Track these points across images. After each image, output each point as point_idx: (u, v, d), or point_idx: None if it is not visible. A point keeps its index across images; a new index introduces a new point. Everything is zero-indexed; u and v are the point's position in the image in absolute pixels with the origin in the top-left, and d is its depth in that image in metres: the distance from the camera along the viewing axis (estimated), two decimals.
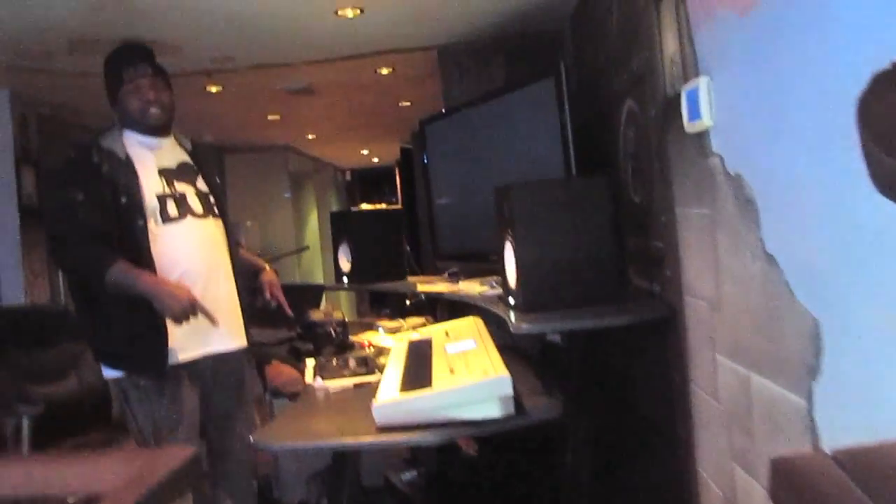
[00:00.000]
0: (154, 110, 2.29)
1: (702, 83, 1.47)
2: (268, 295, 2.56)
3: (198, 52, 3.29)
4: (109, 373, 2.27)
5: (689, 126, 1.56)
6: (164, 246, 2.23)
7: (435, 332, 2.63)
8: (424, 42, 3.51)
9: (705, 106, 1.46)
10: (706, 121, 1.47)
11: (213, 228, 2.38)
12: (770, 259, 1.26)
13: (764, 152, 1.27)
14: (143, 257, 2.17)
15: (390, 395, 1.82)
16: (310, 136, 6.85)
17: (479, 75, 3.60)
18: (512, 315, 2.13)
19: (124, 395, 2.24)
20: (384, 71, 4.08)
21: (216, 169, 2.60)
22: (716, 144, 1.48)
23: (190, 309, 2.12)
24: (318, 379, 2.27)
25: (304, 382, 2.38)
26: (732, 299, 1.48)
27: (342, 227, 3.65)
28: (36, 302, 3.92)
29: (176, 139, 2.44)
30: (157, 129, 2.33)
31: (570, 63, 3.12)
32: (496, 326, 2.46)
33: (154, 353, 2.19)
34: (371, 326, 3.33)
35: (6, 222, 3.81)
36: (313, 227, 8.64)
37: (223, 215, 2.43)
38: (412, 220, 6.41)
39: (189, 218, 2.30)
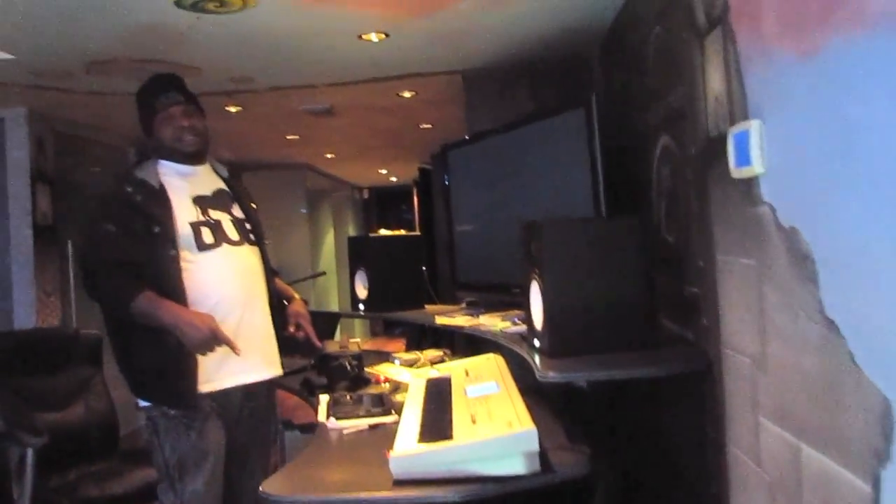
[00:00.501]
0: (188, 137, 2.28)
1: (753, 127, 1.36)
2: (292, 328, 2.49)
3: (218, 73, 3.24)
4: (141, 402, 2.24)
5: (736, 171, 1.46)
6: (200, 274, 2.21)
7: (454, 369, 2.52)
8: (449, 66, 3.44)
9: (756, 151, 1.36)
10: (756, 167, 1.37)
11: (248, 255, 2.35)
12: (830, 324, 1.15)
13: (825, 205, 1.16)
14: (174, 287, 2.15)
15: (408, 447, 1.71)
16: (328, 156, 6.80)
17: (503, 100, 3.52)
18: (537, 359, 2.03)
19: (154, 426, 2.20)
20: (406, 94, 4.02)
21: (252, 196, 2.56)
22: (766, 193, 1.37)
23: (211, 338, 2.09)
24: (332, 419, 2.17)
25: (315, 415, 2.31)
26: (781, 360, 1.36)
27: (360, 253, 3.56)
28: (46, 322, 3.86)
29: (212, 166, 2.43)
30: (192, 157, 2.33)
31: (598, 91, 3.03)
32: (517, 365, 2.35)
33: (183, 385, 2.16)
34: (387, 357, 3.23)
35: (21, 240, 3.76)
36: (329, 247, 8.59)
37: (259, 242, 2.40)
38: (430, 244, 6.34)
39: (225, 245, 2.28)
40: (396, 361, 3.08)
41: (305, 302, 2.60)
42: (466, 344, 3.18)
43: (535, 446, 1.63)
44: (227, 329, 2.18)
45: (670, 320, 2.16)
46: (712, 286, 1.74)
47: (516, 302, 2.88)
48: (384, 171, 8.83)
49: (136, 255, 2.14)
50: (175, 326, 2.08)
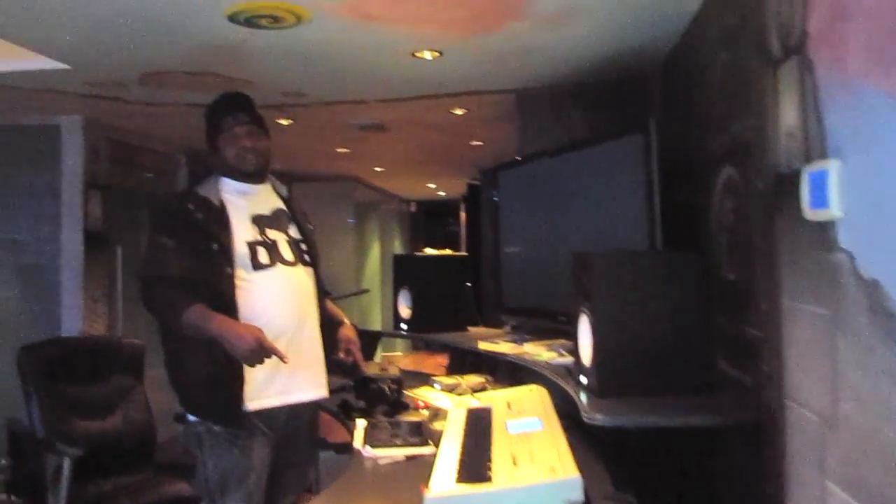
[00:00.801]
0: (250, 157, 2.31)
1: (832, 167, 1.25)
2: (342, 354, 2.48)
3: (269, 87, 3.22)
4: (189, 416, 2.26)
5: (811, 213, 1.35)
6: (254, 293, 2.23)
7: (496, 400, 2.43)
8: (503, 85, 3.37)
9: (834, 194, 1.25)
10: (834, 211, 1.26)
11: (302, 276, 2.36)
12: None
13: None
14: (228, 304, 2.18)
15: (446, 486, 1.63)
16: (377, 169, 6.79)
17: (558, 121, 3.44)
18: (583, 397, 1.94)
19: (199, 441, 2.22)
20: (458, 111, 3.96)
21: (309, 216, 2.58)
22: (844, 240, 1.26)
23: (259, 349, 2.08)
24: (368, 447, 2.11)
25: (349, 435, 2.29)
26: (856, 423, 1.24)
27: (404, 272, 3.51)
28: (92, 328, 3.89)
29: (272, 185, 2.45)
30: (253, 176, 2.35)
31: (657, 114, 2.93)
32: (560, 398, 2.25)
33: (230, 401, 2.17)
34: (427, 380, 3.16)
35: (71, 246, 3.81)
36: (374, 260, 8.57)
37: (314, 263, 2.41)
38: (476, 264, 6.25)
39: (279, 266, 2.29)
40: (437, 385, 3.01)
41: (355, 326, 2.55)
42: (509, 371, 3.09)
43: (580, 495, 1.54)
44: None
45: (727, 362, 2.03)
46: (776, 332, 1.62)
47: (562, 330, 2.79)
48: (432, 186, 8.79)
49: (192, 270, 2.17)
50: (223, 338, 2.09)
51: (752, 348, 1.81)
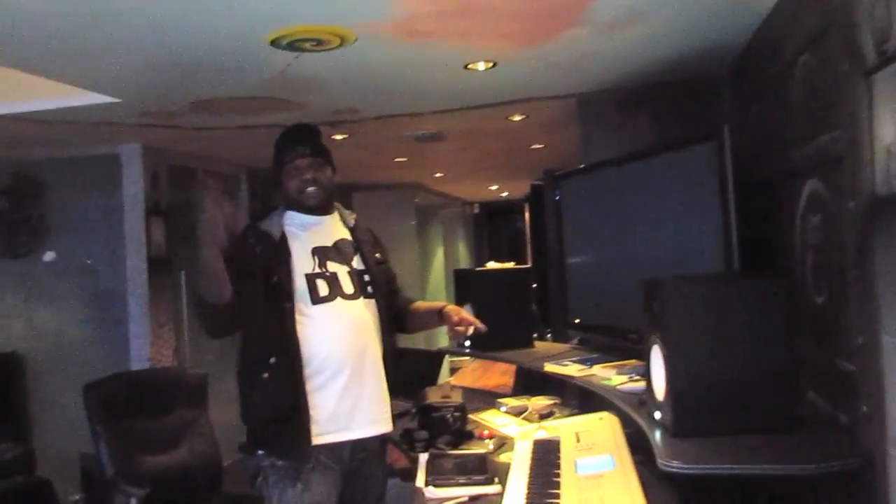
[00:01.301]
0: (311, 190, 2.30)
1: None
2: (455, 320, 2.42)
3: (321, 106, 3.17)
4: (258, 451, 2.26)
5: None
6: (313, 327, 2.22)
7: (564, 430, 2.30)
8: (562, 91, 3.22)
9: None
10: None
11: (362, 310, 2.32)
12: None
13: None
14: (288, 339, 2.19)
15: None
16: (437, 175, 6.70)
17: (622, 126, 3.26)
18: (658, 436, 1.79)
19: (264, 475, 2.23)
20: (516, 118, 3.83)
21: (380, 245, 2.56)
22: None
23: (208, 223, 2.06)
24: (431, 488, 2.01)
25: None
26: None
27: (466, 288, 3.40)
28: (160, 353, 3.93)
29: (340, 215, 2.44)
30: (316, 209, 2.34)
31: (730, 122, 2.73)
32: (632, 427, 2.11)
33: (293, 437, 2.17)
34: (491, 401, 3.04)
35: (136, 273, 3.84)
36: (438, 266, 8.49)
37: (377, 295, 2.37)
38: (542, 270, 6.09)
39: (339, 299, 2.27)
40: (503, 408, 2.89)
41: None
42: (578, 391, 2.95)
43: None
44: (337, 385, 2.21)
45: (818, 395, 1.85)
46: (876, 369, 1.44)
47: (633, 351, 2.64)
48: (495, 188, 8.66)
49: (247, 298, 2.17)
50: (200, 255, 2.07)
51: (847, 384, 1.63)
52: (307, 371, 2.20)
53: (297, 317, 2.20)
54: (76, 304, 4.20)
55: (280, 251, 2.25)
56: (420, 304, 2.62)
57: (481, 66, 2.70)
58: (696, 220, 2.32)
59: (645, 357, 1.95)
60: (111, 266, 4.07)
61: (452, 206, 9.38)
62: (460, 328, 2.43)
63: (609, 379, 2.43)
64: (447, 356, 3.65)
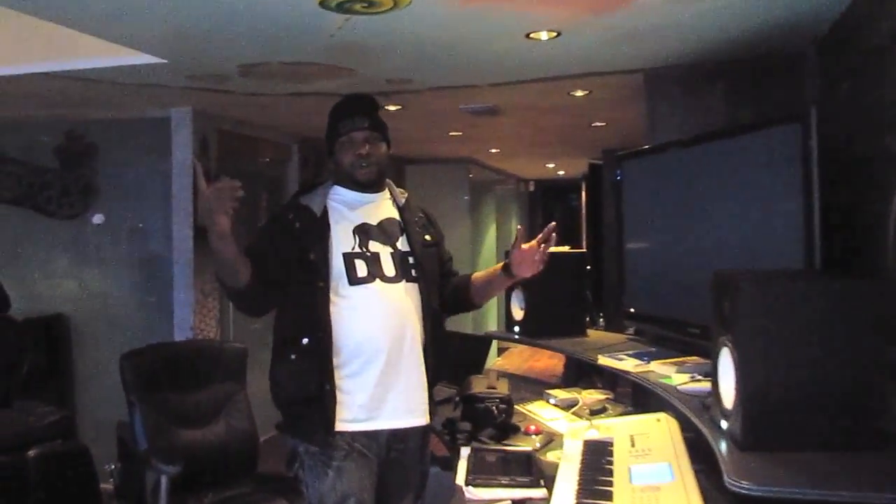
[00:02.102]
0: (363, 166, 2.18)
1: None
2: (541, 247, 2.28)
3: (372, 74, 3.02)
4: (288, 433, 2.20)
5: None
6: (348, 310, 2.12)
7: (617, 431, 2.14)
8: (629, 65, 3.01)
9: None
10: None
11: (403, 294, 2.19)
12: None
13: None
14: (319, 319, 2.09)
15: None
16: (493, 150, 6.52)
17: (692, 104, 3.04)
18: (724, 448, 1.62)
19: (301, 462, 2.15)
20: (578, 93, 3.62)
21: (433, 226, 2.42)
22: None
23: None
24: (471, 488, 1.88)
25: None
26: None
27: None
28: (203, 322, 3.88)
29: (390, 193, 2.32)
30: (367, 185, 2.23)
31: (813, 100, 2.50)
32: (693, 431, 1.94)
33: (317, 422, 2.08)
34: (539, 391, 2.90)
35: (181, 241, 3.79)
36: (491, 243, 8.32)
37: (421, 279, 2.23)
38: (597, 253, 5.88)
39: (378, 281, 2.15)
40: (551, 400, 2.75)
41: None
42: (631, 385, 2.78)
43: None
44: (372, 371, 2.10)
45: None
46: None
47: (695, 346, 2.46)
48: (551, 166, 8.43)
49: (280, 276, 2.11)
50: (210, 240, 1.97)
51: None
52: (341, 355, 2.10)
53: (333, 297, 2.10)
54: (124, 269, 4.19)
55: (319, 228, 2.15)
56: (479, 273, 2.47)
57: (544, 35, 2.51)
58: (774, 210, 2.12)
59: (712, 358, 1.78)
60: (159, 232, 4.04)
61: (507, 182, 9.18)
62: (545, 244, 2.27)
63: (668, 377, 2.26)
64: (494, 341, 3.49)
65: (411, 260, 2.22)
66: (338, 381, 2.08)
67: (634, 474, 1.79)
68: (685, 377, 2.20)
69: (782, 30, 2.47)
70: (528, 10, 2.25)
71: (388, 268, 2.17)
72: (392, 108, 3.88)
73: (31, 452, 2.87)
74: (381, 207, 2.27)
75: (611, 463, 1.90)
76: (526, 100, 3.78)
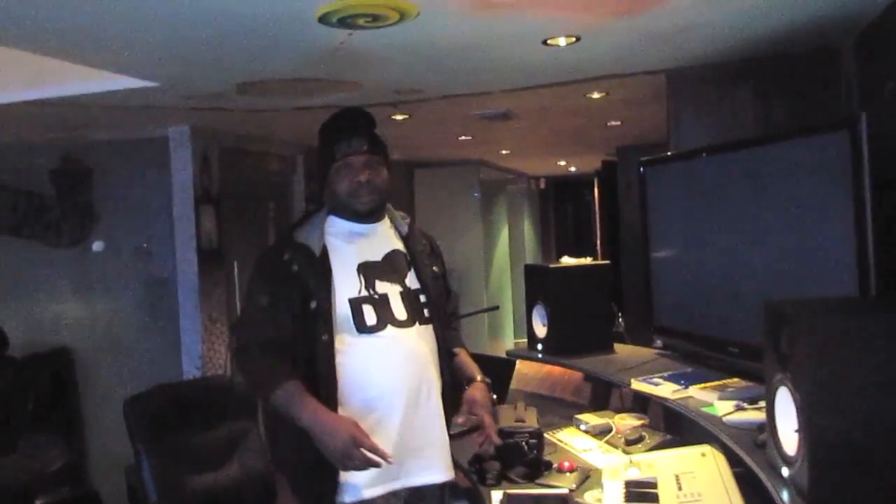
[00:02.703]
0: (364, 195, 1.94)
1: None
2: (461, 419, 2.06)
3: (380, 86, 2.87)
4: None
5: None
6: (357, 361, 1.89)
7: (660, 469, 1.98)
8: (651, 66, 2.84)
9: None
10: None
11: (418, 340, 1.96)
12: None
13: None
14: (325, 376, 1.87)
15: None
16: (503, 152, 6.35)
17: (719, 105, 2.87)
18: (787, 499, 1.45)
19: None
20: (595, 95, 3.46)
21: (437, 255, 2.19)
22: None
23: (354, 451, 1.74)
24: None
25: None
26: None
27: (538, 285, 3.07)
28: (212, 350, 3.74)
29: (391, 220, 2.08)
30: (366, 215, 2.00)
31: (852, 101, 2.32)
32: (740, 465, 1.78)
33: (329, 489, 1.85)
34: (568, 414, 2.73)
35: (186, 265, 3.66)
36: (503, 245, 8.15)
37: (435, 319, 2.01)
38: (614, 256, 5.71)
39: (389, 328, 1.92)
40: (582, 426, 2.58)
41: (488, 384, 2.11)
42: (664, 406, 2.62)
43: None
44: (387, 430, 1.87)
45: None
46: None
47: (734, 367, 2.29)
48: (562, 163, 8.26)
49: (287, 333, 1.89)
50: (312, 432, 1.78)
51: None
52: (351, 413, 1.85)
53: (339, 348, 1.87)
54: (128, 295, 4.06)
55: (321, 270, 1.90)
56: (461, 359, 2.17)
57: (562, 41, 2.34)
58: (820, 224, 1.96)
59: (766, 394, 1.61)
60: (163, 255, 3.90)
61: (518, 181, 9.01)
62: (464, 421, 2.06)
63: (711, 405, 2.09)
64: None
65: (422, 298, 2.00)
66: None
67: None
68: (729, 405, 2.03)
69: (816, 26, 2.30)
70: (545, 17, 2.09)
71: (399, 310, 1.94)
72: (399, 117, 3.72)
73: (39, 502, 2.73)
74: (384, 238, 2.03)
75: None
76: (540, 103, 3.62)
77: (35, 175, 4.13)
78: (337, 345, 1.87)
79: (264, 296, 1.92)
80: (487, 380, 2.12)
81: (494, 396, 2.84)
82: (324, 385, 1.85)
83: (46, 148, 4.04)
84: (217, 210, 3.79)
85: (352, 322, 1.88)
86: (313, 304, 1.86)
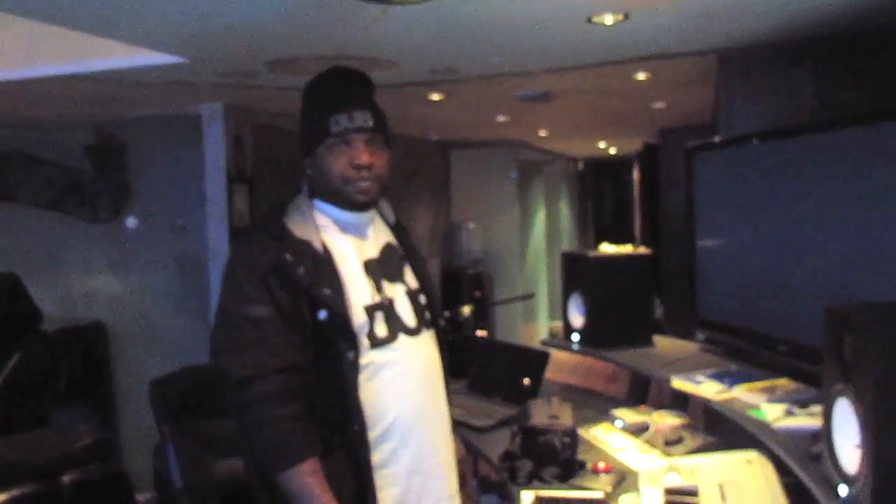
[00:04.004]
0: (362, 182, 1.62)
1: None
2: None
3: (415, 65, 2.76)
4: None
5: None
6: (372, 381, 1.59)
7: (702, 477, 1.87)
8: (703, 45, 2.68)
9: None
10: None
11: (429, 348, 1.72)
12: None
13: None
14: (347, 406, 1.55)
15: None
16: (542, 133, 6.20)
17: (774, 88, 2.70)
18: None
19: None
20: (641, 76, 3.30)
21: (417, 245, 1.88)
22: None
23: None
24: None
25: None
26: None
27: (575, 274, 2.96)
28: None
29: (378, 209, 1.77)
30: (361, 207, 1.68)
31: None
32: (788, 475, 1.66)
33: None
34: (603, 409, 2.63)
35: (218, 244, 3.61)
36: (540, 227, 8.01)
37: (437, 322, 1.76)
38: (654, 240, 5.56)
39: (401, 338, 1.65)
40: (618, 423, 2.48)
41: (457, 441, 1.90)
42: (705, 405, 2.50)
43: None
44: (405, 456, 1.63)
45: None
46: None
47: (785, 365, 2.17)
48: (602, 145, 8.06)
49: (297, 356, 1.55)
50: None
51: None
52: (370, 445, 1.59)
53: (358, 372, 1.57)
54: (161, 274, 4.06)
55: (328, 269, 1.58)
56: None
57: (609, 18, 2.21)
58: (890, 217, 1.80)
59: (824, 404, 1.50)
60: (196, 236, 3.86)
61: (555, 163, 8.84)
62: None
63: (758, 408, 1.97)
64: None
65: (422, 299, 1.73)
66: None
67: None
68: (778, 410, 1.92)
69: (881, 1, 2.12)
70: None
71: (408, 316, 1.67)
72: (436, 97, 3.61)
73: (66, 478, 2.72)
74: (378, 230, 1.74)
75: None
76: (583, 85, 3.48)
77: (71, 151, 4.14)
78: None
79: (264, 307, 1.53)
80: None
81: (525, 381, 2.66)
82: (354, 413, 1.55)
83: (82, 124, 4.02)
84: (250, 190, 3.73)
85: (365, 335, 1.58)
86: (322, 315, 1.54)
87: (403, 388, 1.63)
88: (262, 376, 1.52)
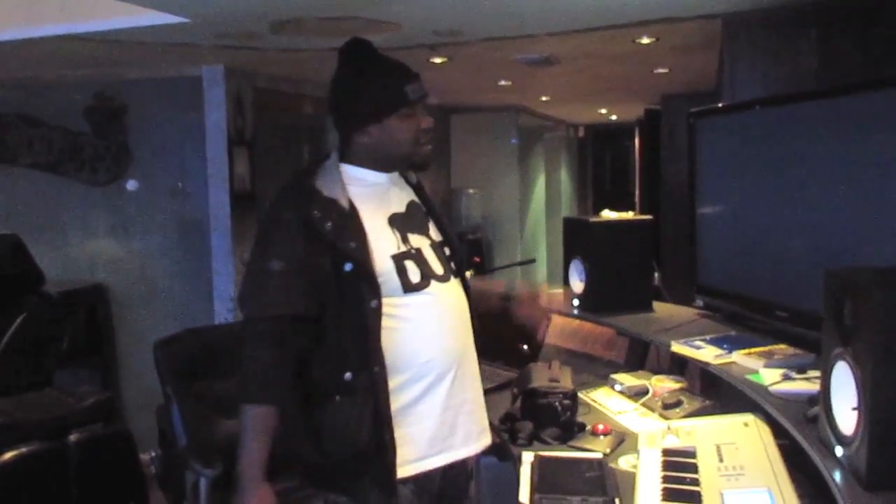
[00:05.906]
0: (429, 147, 1.78)
1: None
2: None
3: (418, 27, 2.74)
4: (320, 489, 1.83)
5: None
6: (405, 327, 1.71)
7: (700, 438, 1.90)
8: (708, 8, 2.66)
9: None
10: None
11: (459, 294, 1.84)
12: None
13: None
14: (368, 350, 1.65)
15: None
16: (543, 99, 6.17)
17: (778, 52, 2.69)
18: (841, 482, 1.38)
19: None
20: (645, 40, 3.28)
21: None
22: None
23: None
24: None
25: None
26: None
27: (576, 240, 2.97)
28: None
29: (401, 171, 1.88)
30: (420, 167, 1.86)
31: None
32: (785, 437, 1.69)
33: (379, 478, 1.69)
34: (602, 372, 2.66)
35: (219, 208, 3.61)
36: (539, 194, 8.00)
37: (462, 272, 1.88)
38: (653, 207, 5.56)
39: (434, 284, 1.76)
40: (617, 387, 2.51)
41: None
42: (702, 377, 2.53)
43: None
44: (438, 395, 1.74)
45: None
46: None
47: (782, 331, 2.19)
48: (603, 111, 8.03)
49: (311, 307, 1.66)
50: (241, 482, 1.69)
51: None
52: (400, 384, 1.70)
53: (386, 312, 1.68)
54: (162, 237, 4.05)
55: (354, 225, 1.68)
56: None
57: None
58: (892, 183, 1.80)
59: (822, 369, 1.52)
60: (196, 199, 3.86)
61: (556, 129, 8.80)
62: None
63: (756, 372, 2.00)
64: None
65: (447, 251, 1.86)
66: (395, 417, 1.68)
67: (727, 499, 1.56)
68: (776, 374, 1.94)
69: None
70: None
71: (436, 264, 1.79)
72: (438, 60, 3.58)
73: (72, 437, 2.76)
74: (400, 188, 1.86)
75: (697, 483, 1.67)
76: (586, 49, 3.45)
77: (70, 112, 4.11)
78: (384, 309, 1.67)
79: (280, 261, 1.64)
80: None
81: (525, 347, 2.76)
82: (373, 357, 1.65)
83: (81, 86, 4.00)
84: (251, 153, 3.72)
85: (397, 281, 1.69)
86: (348, 267, 1.64)
87: (440, 327, 1.75)
88: (261, 319, 1.68)
